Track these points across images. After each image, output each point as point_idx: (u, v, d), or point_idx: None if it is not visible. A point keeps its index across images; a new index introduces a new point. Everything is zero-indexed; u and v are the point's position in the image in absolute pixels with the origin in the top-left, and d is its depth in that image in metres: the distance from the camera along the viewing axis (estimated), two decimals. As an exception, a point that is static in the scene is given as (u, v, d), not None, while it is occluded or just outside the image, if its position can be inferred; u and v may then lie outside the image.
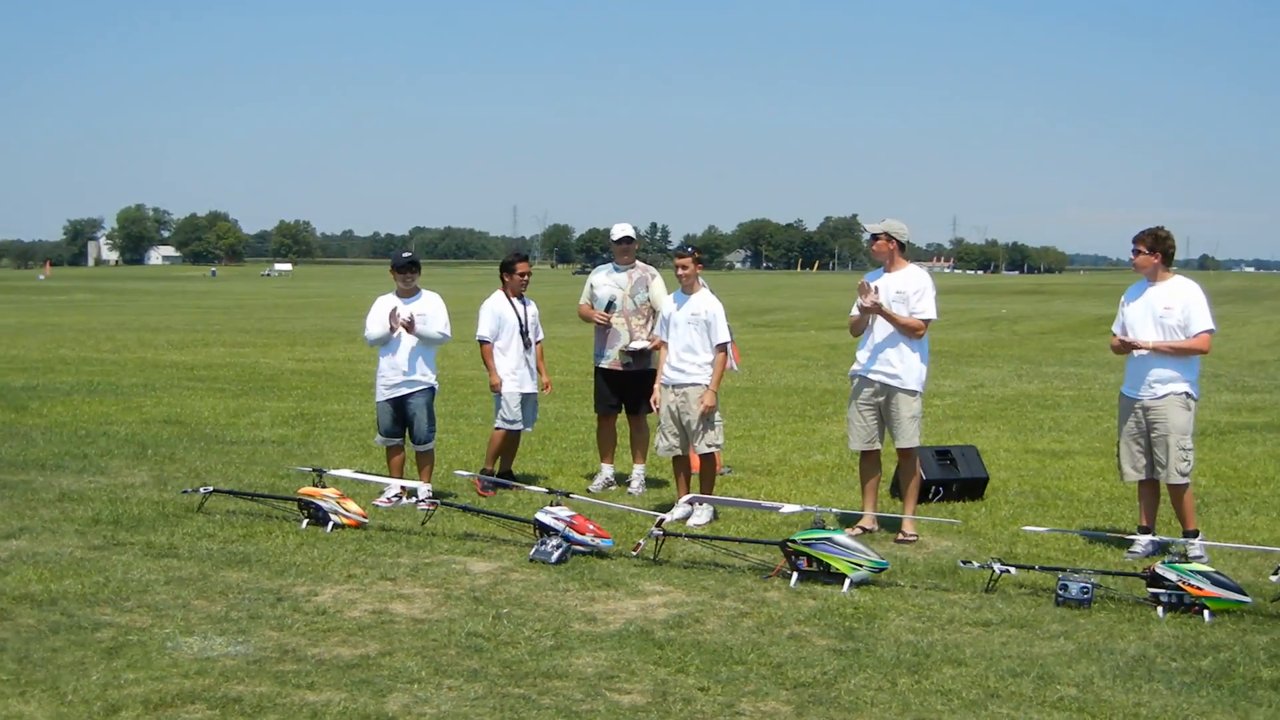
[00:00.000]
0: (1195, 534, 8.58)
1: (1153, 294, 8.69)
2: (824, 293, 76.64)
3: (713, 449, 9.81)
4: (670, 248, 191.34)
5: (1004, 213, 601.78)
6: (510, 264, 11.01)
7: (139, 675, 5.75)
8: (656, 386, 10.04)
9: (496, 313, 10.78)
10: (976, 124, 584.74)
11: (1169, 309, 8.57)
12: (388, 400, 10.21)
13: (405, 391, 10.16)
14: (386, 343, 10.15)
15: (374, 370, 10.47)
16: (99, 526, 8.90)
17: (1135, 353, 8.67)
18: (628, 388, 10.86)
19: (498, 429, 10.82)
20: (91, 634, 6.37)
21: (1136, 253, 8.74)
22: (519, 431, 10.92)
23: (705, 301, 9.82)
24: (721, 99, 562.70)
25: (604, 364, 10.92)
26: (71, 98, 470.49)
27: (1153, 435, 8.61)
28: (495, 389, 10.73)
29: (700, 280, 9.91)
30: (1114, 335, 8.89)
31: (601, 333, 10.90)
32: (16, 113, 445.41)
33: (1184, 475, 8.55)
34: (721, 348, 9.75)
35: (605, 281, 10.94)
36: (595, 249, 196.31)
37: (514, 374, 10.72)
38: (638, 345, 10.61)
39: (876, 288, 9.08)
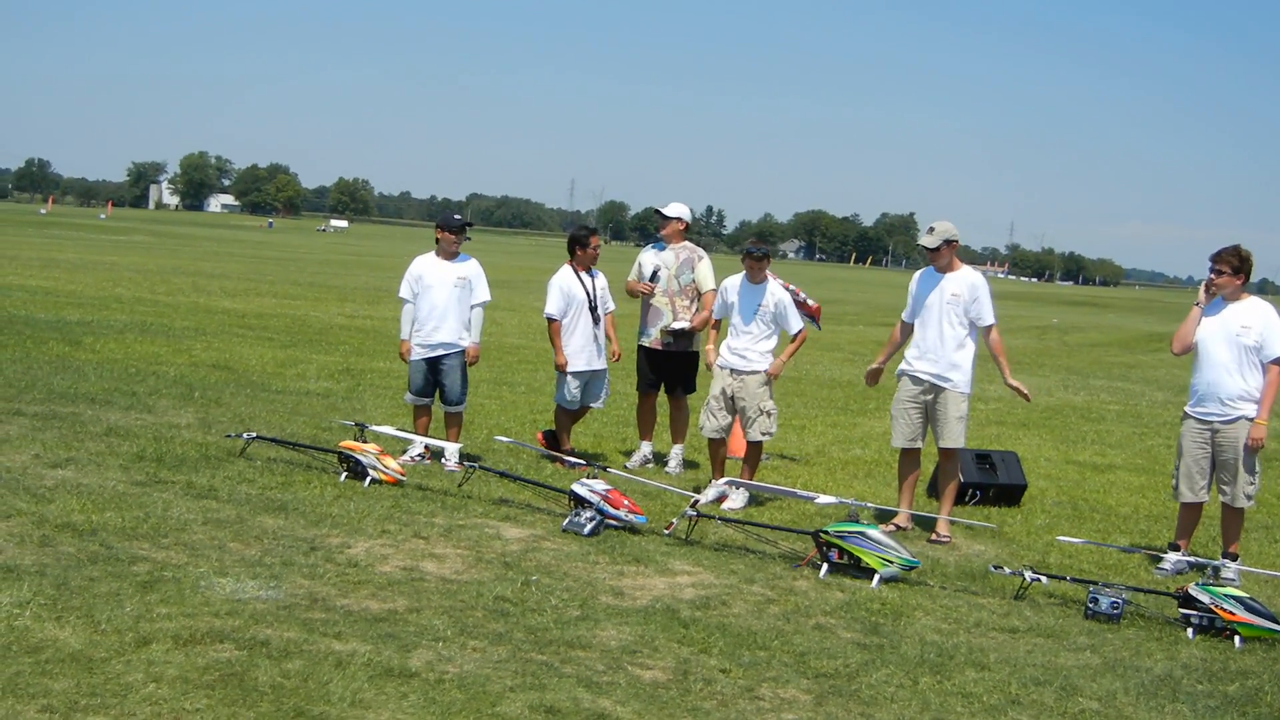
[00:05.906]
0: (1235, 557, 8.48)
1: (1229, 312, 8.52)
2: (876, 288, 76.12)
3: (765, 437, 9.82)
4: (724, 233, 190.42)
5: (1063, 221, 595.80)
6: (584, 238, 10.82)
7: (171, 611, 5.85)
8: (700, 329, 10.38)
9: (565, 289, 10.63)
10: (1040, 130, 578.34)
11: (1246, 327, 8.40)
12: (423, 359, 10.26)
13: (441, 353, 10.22)
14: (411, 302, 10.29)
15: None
16: (143, 463, 9.05)
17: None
18: (667, 367, 10.86)
19: (557, 405, 10.85)
20: (128, 567, 6.49)
21: (1219, 273, 8.47)
22: (577, 409, 10.84)
23: (775, 292, 9.82)
24: (786, 89, 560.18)
25: (645, 342, 10.91)
26: (144, 42, 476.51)
27: (1222, 458, 8.50)
28: (560, 368, 10.61)
29: (768, 271, 9.91)
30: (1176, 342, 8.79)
31: (646, 310, 10.89)
32: (88, 54, 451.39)
33: (1250, 499, 8.49)
34: (796, 336, 9.85)
35: (652, 260, 10.92)
36: (649, 228, 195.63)
37: (581, 352, 10.62)
38: (679, 325, 10.58)
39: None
